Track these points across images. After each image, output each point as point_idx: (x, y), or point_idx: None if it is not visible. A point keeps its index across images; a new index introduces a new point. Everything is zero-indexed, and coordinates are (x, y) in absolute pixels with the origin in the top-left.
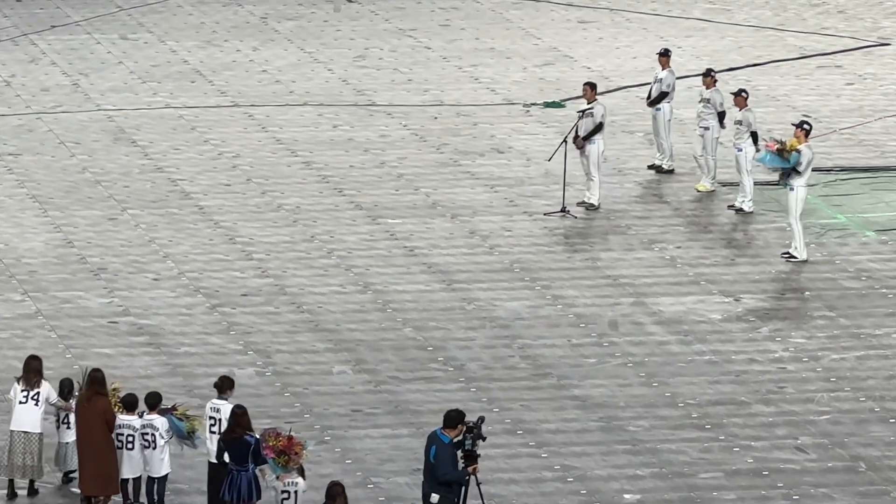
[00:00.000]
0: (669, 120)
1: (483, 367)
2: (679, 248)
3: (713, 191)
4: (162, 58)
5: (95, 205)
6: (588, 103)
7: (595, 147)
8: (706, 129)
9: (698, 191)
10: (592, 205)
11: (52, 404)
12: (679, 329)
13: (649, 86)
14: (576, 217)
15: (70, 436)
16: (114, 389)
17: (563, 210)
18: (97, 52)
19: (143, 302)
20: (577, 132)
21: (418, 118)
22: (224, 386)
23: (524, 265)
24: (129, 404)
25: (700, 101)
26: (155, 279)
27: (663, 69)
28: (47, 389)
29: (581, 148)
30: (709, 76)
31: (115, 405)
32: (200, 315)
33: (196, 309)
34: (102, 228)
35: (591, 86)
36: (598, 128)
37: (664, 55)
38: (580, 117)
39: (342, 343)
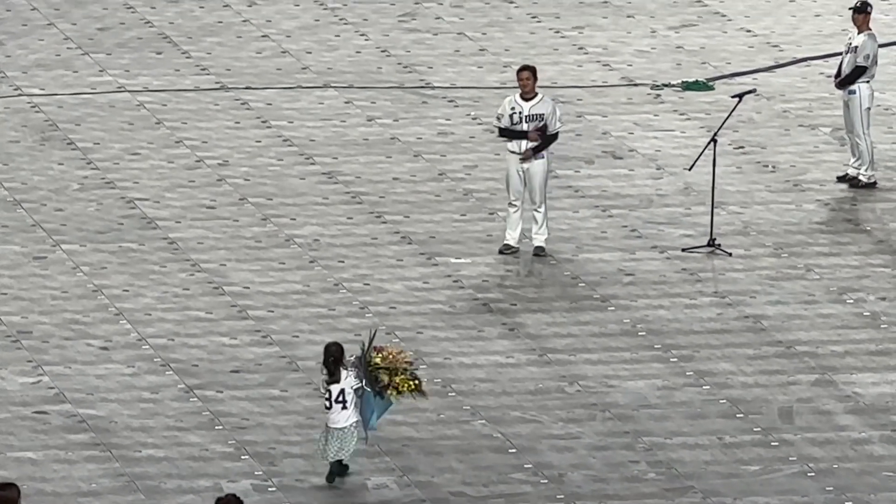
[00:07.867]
0: (869, 108)
1: (592, 478)
2: (884, 299)
3: None
4: (112, 17)
5: (14, 237)
6: (860, 32)
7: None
8: None
9: None
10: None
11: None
12: (885, 421)
13: (840, 58)
14: (729, 254)
15: (343, 419)
16: (408, 363)
17: (712, 243)
18: (17, 8)
19: (85, 382)
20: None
21: (494, 107)
22: None
23: (651, 326)
24: None
25: None
26: (103, 348)
27: (860, 32)
28: None
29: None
30: None
31: (413, 388)
32: (171, 402)
33: (165, 393)
34: (24, 272)
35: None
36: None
37: (861, 11)
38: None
39: (382, 443)
